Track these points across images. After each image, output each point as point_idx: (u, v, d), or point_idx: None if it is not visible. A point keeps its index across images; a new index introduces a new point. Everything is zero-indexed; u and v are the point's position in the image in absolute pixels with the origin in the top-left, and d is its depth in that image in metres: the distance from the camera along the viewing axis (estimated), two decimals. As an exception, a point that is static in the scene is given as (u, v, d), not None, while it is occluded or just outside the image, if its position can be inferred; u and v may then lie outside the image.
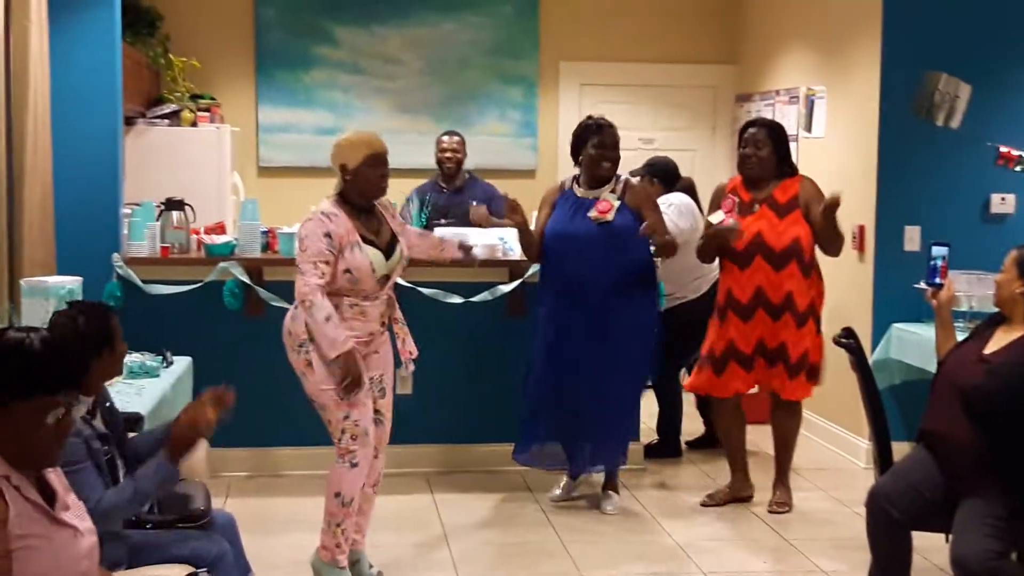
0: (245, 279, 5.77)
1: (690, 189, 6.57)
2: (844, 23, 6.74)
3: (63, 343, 2.63)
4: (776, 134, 5.53)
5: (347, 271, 4.34)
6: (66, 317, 3.37)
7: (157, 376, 4.71)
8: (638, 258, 5.44)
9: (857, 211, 6.29)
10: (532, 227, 5.55)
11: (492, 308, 6.00)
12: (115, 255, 5.75)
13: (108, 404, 3.52)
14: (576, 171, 5.60)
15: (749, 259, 5.41)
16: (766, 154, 5.47)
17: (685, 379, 6.99)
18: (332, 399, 4.36)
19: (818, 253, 5.51)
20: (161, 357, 4.89)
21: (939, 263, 4.42)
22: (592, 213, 5.37)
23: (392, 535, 5.13)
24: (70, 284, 4.57)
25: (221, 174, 7.45)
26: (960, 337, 4.30)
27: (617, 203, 5.37)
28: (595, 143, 5.42)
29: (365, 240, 4.39)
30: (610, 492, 5.63)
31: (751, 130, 5.54)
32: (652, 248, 5.47)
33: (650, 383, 6.28)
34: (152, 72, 7.79)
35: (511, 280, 5.99)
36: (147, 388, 4.47)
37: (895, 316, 6.12)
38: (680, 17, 8.75)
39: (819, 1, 7.20)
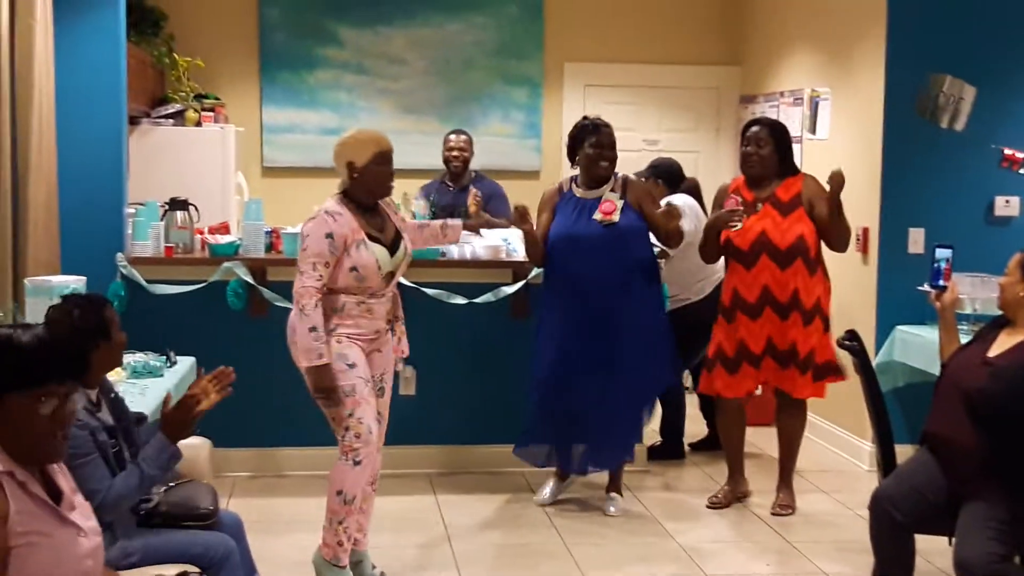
0: (249, 279, 5.78)
1: (694, 190, 6.57)
2: (849, 25, 6.74)
3: (56, 335, 2.66)
4: (778, 133, 5.53)
5: (353, 269, 4.35)
6: (61, 310, 3.41)
7: (161, 376, 4.71)
8: (643, 257, 5.45)
9: (861, 213, 6.29)
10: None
11: (496, 309, 6.00)
12: (119, 255, 5.76)
13: (113, 395, 3.55)
14: (573, 172, 5.60)
15: (755, 258, 5.42)
16: (767, 152, 5.48)
17: (688, 381, 7.03)
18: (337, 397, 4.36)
19: (824, 251, 5.51)
20: (164, 357, 4.90)
21: (943, 265, 4.42)
22: (597, 215, 5.37)
23: (395, 536, 5.14)
24: (74, 283, 4.57)
25: (225, 174, 7.45)
26: (964, 340, 4.30)
27: (620, 202, 5.37)
28: (592, 143, 5.42)
29: (370, 237, 4.40)
30: (613, 494, 5.63)
31: (753, 128, 5.55)
32: (658, 244, 5.47)
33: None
34: (156, 72, 7.80)
35: (515, 281, 5.99)
36: (150, 388, 4.47)
37: (899, 318, 6.11)
38: (684, 19, 8.75)
39: (823, 3, 7.19)
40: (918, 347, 5.83)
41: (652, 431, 6.54)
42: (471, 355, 6.12)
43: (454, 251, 6.01)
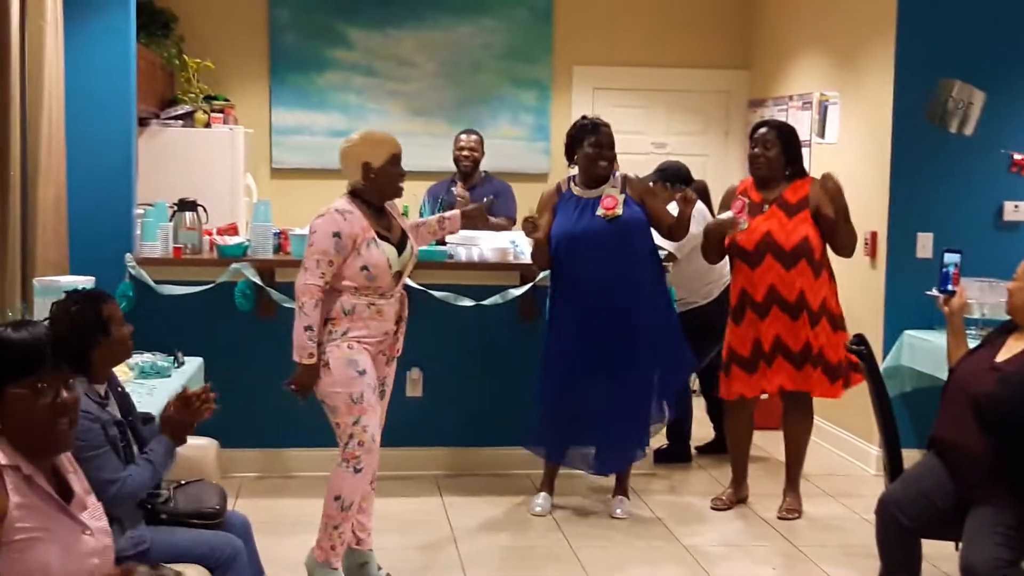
0: (257, 280, 5.78)
1: (702, 193, 6.57)
2: (858, 29, 6.73)
3: (54, 329, 2.76)
4: (785, 135, 5.54)
5: (364, 267, 4.36)
6: (60, 306, 3.47)
7: (168, 376, 4.73)
8: (648, 251, 5.46)
9: (870, 217, 6.29)
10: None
11: (503, 311, 6.00)
12: (128, 255, 5.77)
13: (120, 390, 3.59)
14: (571, 172, 5.60)
15: (760, 258, 5.42)
16: (774, 154, 5.48)
17: (695, 384, 7.03)
18: (344, 402, 4.37)
19: (830, 255, 5.51)
20: (172, 357, 4.91)
21: (951, 270, 4.42)
22: (600, 210, 5.37)
23: (400, 538, 5.14)
24: (82, 284, 4.59)
25: (234, 175, 7.46)
26: (972, 344, 4.29)
27: (622, 196, 5.38)
28: (591, 142, 5.42)
29: (380, 236, 4.41)
30: (620, 497, 5.62)
31: (761, 130, 5.56)
32: (662, 245, 5.48)
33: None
34: (166, 73, 7.81)
35: (522, 284, 5.99)
36: (158, 388, 4.49)
37: (907, 323, 6.11)
38: (693, 22, 8.74)
39: (833, 7, 7.19)
40: (926, 352, 5.82)
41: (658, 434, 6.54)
42: (478, 357, 6.11)
43: (462, 253, 6.01)
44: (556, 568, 4.90)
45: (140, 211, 5.95)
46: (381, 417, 4.60)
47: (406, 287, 4.68)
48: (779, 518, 5.55)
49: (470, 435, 6.17)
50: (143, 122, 7.06)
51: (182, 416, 3.46)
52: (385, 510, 4.81)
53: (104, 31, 5.71)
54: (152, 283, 5.77)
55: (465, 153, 7.10)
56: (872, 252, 6.36)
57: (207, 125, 7.55)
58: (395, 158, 4.47)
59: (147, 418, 3.74)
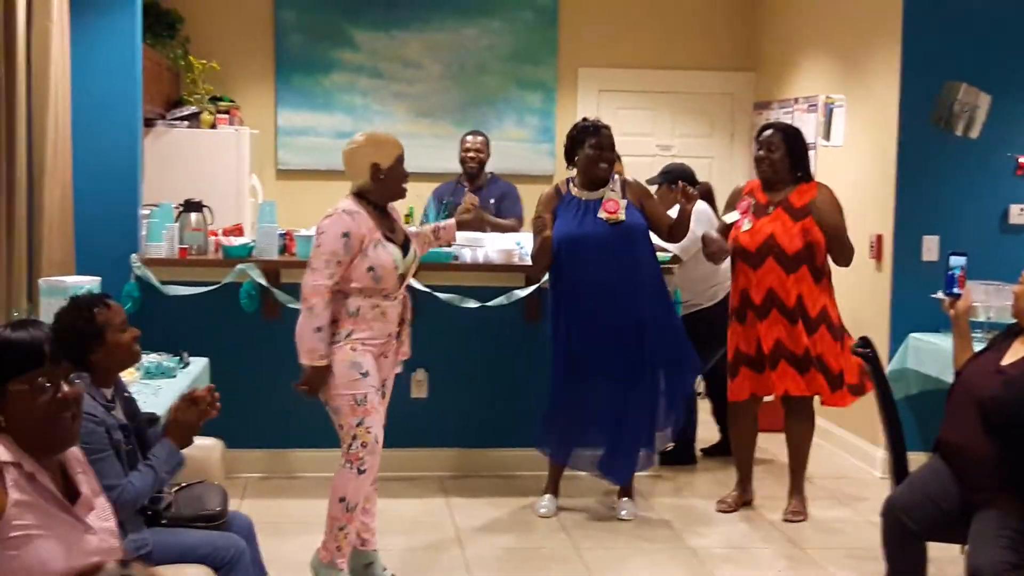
0: (262, 281, 5.79)
1: (707, 195, 6.57)
2: (864, 32, 6.73)
3: (54, 330, 2.76)
4: (790, 138, 5.54)
5: (371, 269, 4.36)
6: (60, 313, 3.49)
7: (174, 377, 4.73)
8: (650, 255, 5.47)
9: (875, 220, 6.28)
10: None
11: (508, 313, 6.00)
12: (133, 256, 5.78)
13: (126, 394, 3.59)
14: (570, 173, 5.61)
15: (761, 260, 5.42)
16: (779, 157, 5.48)
17: (700, 386, 7.02)
18: (347, 404, 4.37)
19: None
20: (178, 358, 4.91)
21: (957, 273, 4.41)
22: (602, 214, 5.37)
23: (405, 539, 5.14)
24: (88, 284, 4.59)
25: (240, 176, 7.47)
26: (977, 348, 4.28)
27: (624, 201, 5.38)
28: (592, 144, 5.42)
29: (385, 238, 4.41)
30: (625, 499, 5.62)
31: (766, 133, 5.56)
32: (663, 247, 5.47)
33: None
34: (172, 74, 7.82)
35: (527, 285, 5.99)
36: (164, 388, 4.49)
37: (912, 326, 6.10)
38: (699, 24, 8.74)
39: (839, 9, 7.18)
40: (932, 355, 5.81)
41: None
42: (483, 359, 6.12)
43: (467, 255, 6.01)
44: (561, 570, 4.90)
45: (146, 212, 5.95)
46: (382, 418, 4.61)
47: (410, 289, 4.68)
48: (784, 521, 5.55)
49: (475, 436, 6.17)
50: (149, 123, 7.07)
51: (188, 417, 3.44)
52: (390, 511, 4.81)
53: (110, 32, 5.71)
54: (158, 284, 5.77)
55: (471, 154, 7.11)
56: (878, 255, 6.36)
57: (213, 126, 7.57)
58: (401, 158, 4.49)
59: (152, 418, 3.74)
